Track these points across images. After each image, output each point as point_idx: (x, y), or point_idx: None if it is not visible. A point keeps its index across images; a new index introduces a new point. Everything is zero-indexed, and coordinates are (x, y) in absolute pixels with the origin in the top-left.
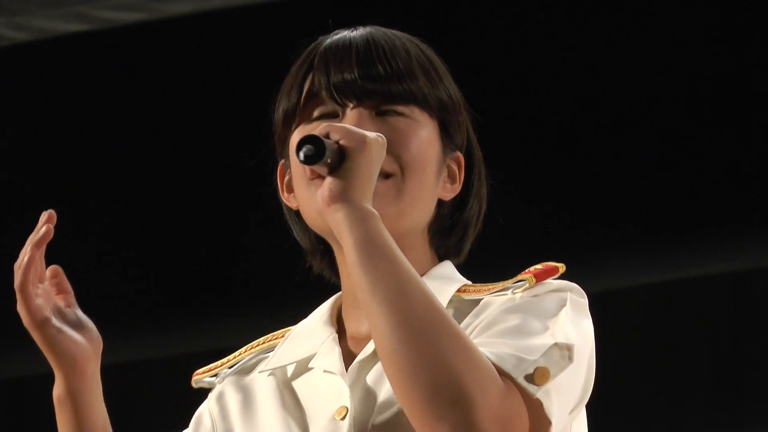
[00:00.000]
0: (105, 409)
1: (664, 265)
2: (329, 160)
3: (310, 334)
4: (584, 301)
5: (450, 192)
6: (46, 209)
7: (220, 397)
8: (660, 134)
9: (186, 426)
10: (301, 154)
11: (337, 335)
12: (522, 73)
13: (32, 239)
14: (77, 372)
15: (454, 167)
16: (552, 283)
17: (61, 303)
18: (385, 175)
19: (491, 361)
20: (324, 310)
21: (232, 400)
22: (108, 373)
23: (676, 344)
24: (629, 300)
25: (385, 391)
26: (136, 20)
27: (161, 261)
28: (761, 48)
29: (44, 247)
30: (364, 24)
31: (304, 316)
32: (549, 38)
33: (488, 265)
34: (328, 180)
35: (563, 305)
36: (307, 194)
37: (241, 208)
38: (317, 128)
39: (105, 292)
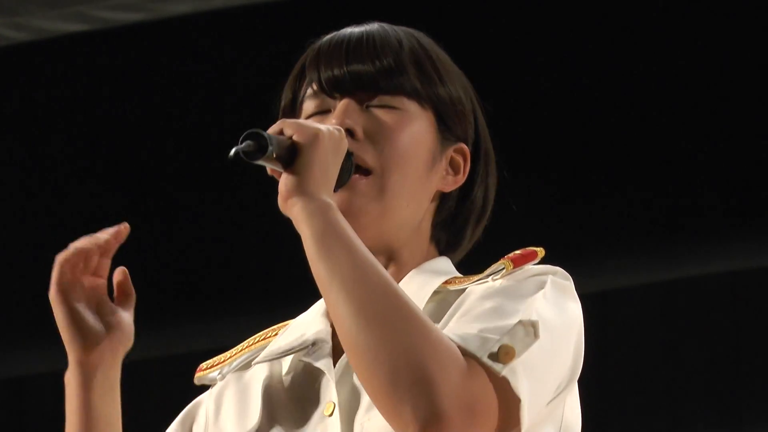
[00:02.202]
0: (112, 411)
1: (663, 264)
2: (275, 155)
3: (306, 327)
4: (568, 283)
5: (452, 184)
6: (46, 209)
7: (219, 396)
8: (660, 133)
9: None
10: (240, 152)
11: (331, 329)
12: (524, 70)
13: (108, 232)
14: (88, 355)
15: (458, 159)
16: (533, 268)
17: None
18: (365, 171)
19: (455, 342)
20: (320, 304)
21: (230, 397)
22: None
23: (675, 343)
24: (629, 299)
25: None
26: (135, 20)
27: (161, 261)
28: (761, 48)
29: (112, 247)
30: (372, 21)
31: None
32: (551, 35)
33: (486, 262)
34: (284, 176)
35: (541, 288)
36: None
37: (240, 208)
38: (273, 126)
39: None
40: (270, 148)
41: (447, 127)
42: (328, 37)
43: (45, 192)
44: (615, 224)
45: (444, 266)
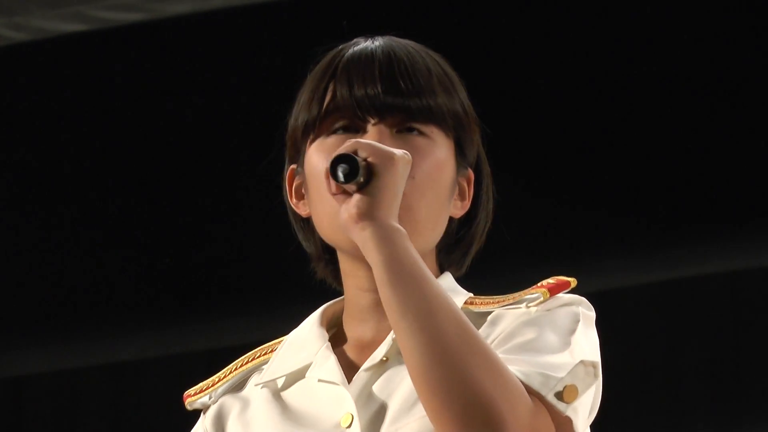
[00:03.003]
0: None
1: (662, 264)
2: (361, 179)
3: (303, 344)
4: (592, 314)
5: (460, 209)
6: (45, 208)
7: (218, 418)
8: (659, 133)
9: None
10: (340, 175)
11: (330, 343)
12: (519, 70)
13: None
14: None
15: (465, 184)
16: (564, 297)
17: None
18: None
19: (519, 379)
20: (314, 318)
21: (231, 418)
22: (107, 372)
23: (674, 344)
24: (627, 299)
25: (397, 400)
26: (134, 20)
27: (160, 260)
28: (761, 47)
29: None
30: (381, 33)
31: (302, 315)
32: (547, 34)
33: (486, 262)
34: (356, 198)
35: (577, 320)
36: (326, 207)
37: (239, 208)
38: (345, 145)
39: (104, 291)
40: (360, 172)
41: (463, 154)
42: (350, 52)
43: (45, 191)
44: (613, 224)
45: (453, 285)
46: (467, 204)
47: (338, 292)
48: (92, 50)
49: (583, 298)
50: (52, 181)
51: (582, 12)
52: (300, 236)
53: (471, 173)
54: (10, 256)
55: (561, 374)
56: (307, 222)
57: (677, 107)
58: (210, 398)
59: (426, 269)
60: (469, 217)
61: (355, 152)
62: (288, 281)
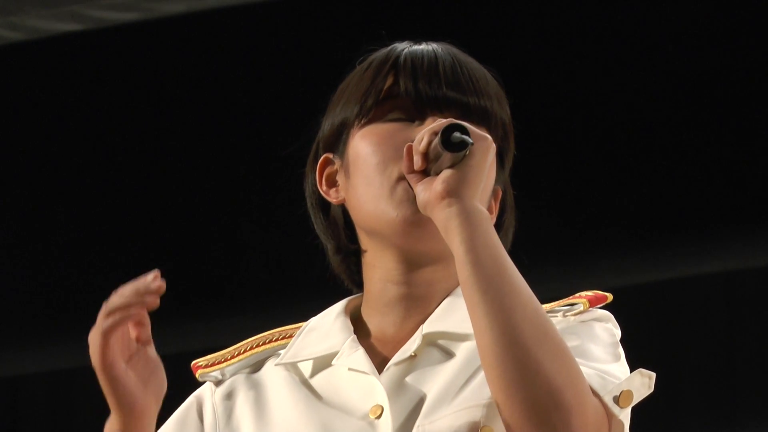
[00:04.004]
0: None
1: (657, 264)
2: (467, 152)
3: (327, 332)
4: (619, 332)
5: None
6: (44, 208)
7: (229, 397)
8: (653, 134)
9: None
10: (457, 136)
11: (357, 333)
12: (513, 73)
13: (139, 292)
14: (134, 416)
15: (492, 200)
16: (596, 312)
17: (133, 333)
18: None
19: None
20: (339, 308)
21: (243, 399)
22: None
23: (669, 344)
24: (622, 300)
25: (432, 395)
26: (130, 20)
27: (160, 260)
28: (759, 47)
29: (151, 305)
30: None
31: (300, 315)
32: (542, 39)
33: None
34: (447, 172)
35: (613, 336)
36: (374, 189)
37: (237, 208)
38: (438, 122)
39: (102, 291)
40: (469, 145)
41: (502, 166)
42: (410, 49)
43: (42, 188)
44: (609, 225)
45: None
46: (493, 219)
47: (339, 291)
48: (87, 50)
49: (612, 316)
50: (50, 181)
51: (574, 22)
52: (319, 228)
53: (499, 190)
54: (7, 255)
55: (618, 379)
56: (329, 213)
57: (675, 108)
58: (221, 374)
59: (506, 255)
60: None
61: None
62: (285, 281)
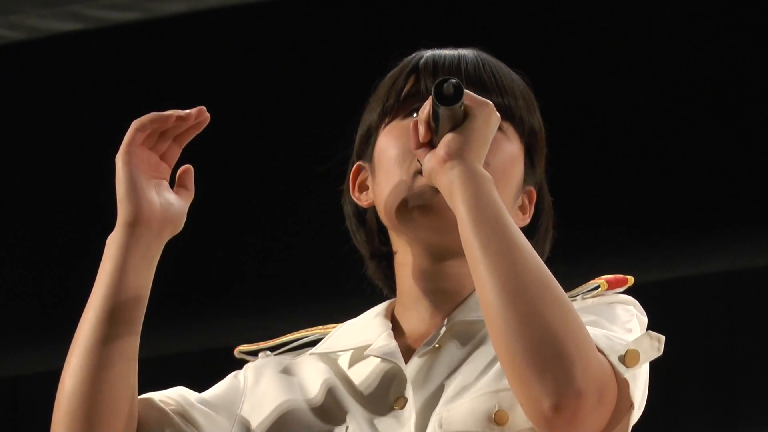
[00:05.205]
0: (143, 284)
1: (658, 264)
2: (461, 107)
3: (365, 328)
4: (645, 318)
5: (520, 221)
6: (44, 208)
7: (259, 369)
8: (653, 134)
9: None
10: (447, 87)
11: (392, 331)
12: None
13: (189, 112)
14: (138, 224)
15: (526, 199)
16: (619, 296)
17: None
18: None
19: None
20: (377, 310)
21: (273, 374)
22: None
23: (670, 343)
24: None
25: (451, 384)
26: (130, 19)
27: (160, 260)
28: (759, 47)
29: (189, 133)
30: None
31: (299, 315)
32: (542, 38)
33: None
34: (448, 136)
35: (633, 316)
36: (394, 180)
37: (235, 208)
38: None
39: None
40: (462, 98)
41: (532, 164)
42: (433, 52)
43: (42, 188)
44: (609, 225)
45: None
46: (527, 219)
47: (340, 292)
48: (87, 49)
49: (637, 302)
50: (48, 181)
51: (574, 21)
52: (357, 234)
53: (534, 192)
54: (8, 255)
55: (626, 340)
56: (364, 219)
57: (675, 108)
58: (259, 355)
59: (508, 215)
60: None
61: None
62: (284, 281)
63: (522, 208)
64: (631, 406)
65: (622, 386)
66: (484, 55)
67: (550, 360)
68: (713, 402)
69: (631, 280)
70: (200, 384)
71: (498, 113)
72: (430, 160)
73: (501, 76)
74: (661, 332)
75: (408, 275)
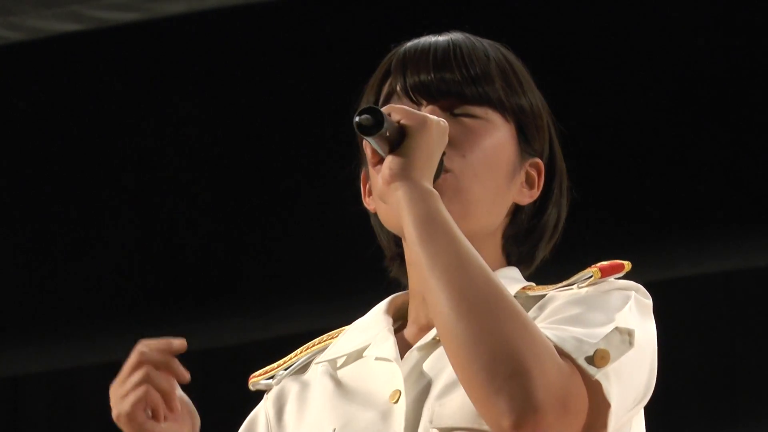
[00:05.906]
0: None
1: (658, 264)
2: (388, 134)
3: (365, 329)
4: (649, 302)
5: (527, 197)
6: (43, 208)
7: (278, 398)
8: (653, 134)
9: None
10: (358, 120)
11: (392, 326)
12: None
13: (166, 350)
14: None
15: (533, 173)
16: (618, 282)
17: (164, 385)
18: (445, 170)
19: (552, 341)
20: (381, 306)
21: (290, 398)
22: (105, 371)
23: (669, 344)
24: None
25: (444, 376)
26: (130, 20)
27: (160, 260)
28: (759, 47)
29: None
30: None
31: (298, 315)
32: (542, 37)
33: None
34: (389, 158)
35: (627, 302)
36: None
37: (234, 208)
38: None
39: (102, 291)
40: (385, 125)
41: (527, 139)
42: (412, 42)
43: (42, 188)
44: (609, 224)
45: (516, 275)
46: (536, 193)
47: (340, 292)
48: (87, 50)
49: (640, 286)
50: (50, 181)
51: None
52: (379, 237)
53: (540, 162)
54: (8, 254)
55: (594, 340)
56: (380, 222)
57: (675, 107)
58: (273, 379)
59: (457, 230)
60: (540, 209)
61: (388, 115)
62: (284, 281)
63: (529, 182)
64: (609, 406)
65: (594, 388)
66: (460, 38)
67: (506, 378)
68: (713, 402)
69: (627, 265)
70: (200, 384)
71: (441, 122)
72: (379, 180)
73: (473, 59)
74: (661, 332)
75: (415, 273)
